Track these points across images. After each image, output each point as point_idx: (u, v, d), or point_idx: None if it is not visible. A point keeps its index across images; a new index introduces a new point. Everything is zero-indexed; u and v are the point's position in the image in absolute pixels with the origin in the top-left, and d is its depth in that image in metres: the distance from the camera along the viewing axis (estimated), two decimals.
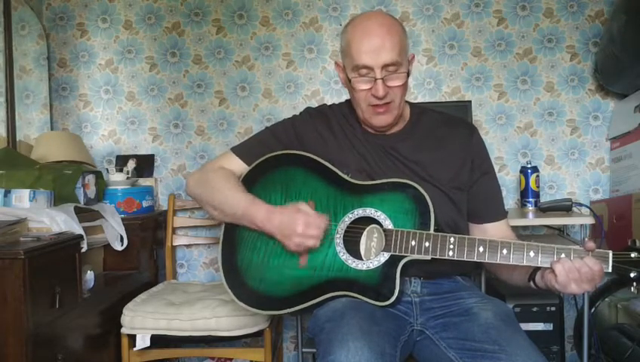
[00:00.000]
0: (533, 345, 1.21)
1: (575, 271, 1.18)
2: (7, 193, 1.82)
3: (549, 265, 1.22)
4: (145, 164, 2.52)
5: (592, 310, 2.15)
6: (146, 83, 2.57)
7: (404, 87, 1.41)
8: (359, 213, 1.39)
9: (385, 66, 1.35)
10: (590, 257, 1.19)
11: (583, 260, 1.19)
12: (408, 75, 1.40)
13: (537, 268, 1.29)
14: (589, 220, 1.96)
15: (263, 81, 2.54)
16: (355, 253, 1.37)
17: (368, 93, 1.38)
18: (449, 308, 1.38)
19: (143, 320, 1.85)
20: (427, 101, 2.47)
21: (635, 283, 1.20)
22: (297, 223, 1.33)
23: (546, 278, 1.25)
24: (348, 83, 1.42)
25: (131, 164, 2.39)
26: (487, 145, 1.56)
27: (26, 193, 1.82)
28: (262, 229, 1.39)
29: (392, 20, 1.40)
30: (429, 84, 2.48)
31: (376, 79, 1.35)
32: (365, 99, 1.40)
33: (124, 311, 1.88)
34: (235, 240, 1.46)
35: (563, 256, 1.21)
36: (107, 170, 2.38)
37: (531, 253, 1.24)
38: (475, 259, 1.27)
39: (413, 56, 1.48)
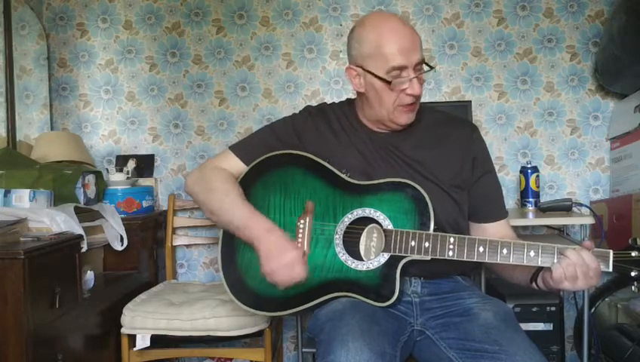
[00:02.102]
0: (534, 345, 1.21)
1: (571, 266, 1.18)
2: (7, 193, 1.82)
3: (549, 265, 1.22)
4: (145, 164, 2.52)
5: (592, 310, 2.15)
6: (146, 83, 2.57)
7: None
8: (358, 213, 1.39)
9: (416, 65, 1.37)
10: (587, 252, 1.19)
11: (580, 254, 1.19)
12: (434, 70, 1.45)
13: (539, 270, 1.29)
14: (589, 220, 1.96)
15: (263, 81, 2.54)
16: (354, 253, 1.37)
17: (402, 93, 1.39)
18: (449, 308, 1.38)
19: (143, 320, 1.85)
20: (427, 101, 2.46)
21: (635, 282, 1.19)
22: (288, 255, 1.31)
23: (544, 277, 1.26)
24: (382, 85, 1.38)
25: (131, 164, 2.40)
26: (487, 145, 1.56)
27: (26, 193, 1.82)
28: (251, 238, 1.36)
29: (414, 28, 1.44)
30: (429, 84, 2.48)
31: (411, 78, 1.36)
32: (396, 100, 1.39)
33: (124, 311, 1.88)
34: (235, 241, 1.45)
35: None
36: (107, 170, 2.38)
37: (532, 253, 1.24)
38: (475, 259, 1.27)
39: None
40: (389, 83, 1.37)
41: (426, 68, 1.41)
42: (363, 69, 1.41)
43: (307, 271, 1.33)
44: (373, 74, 1.39)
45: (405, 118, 1.43)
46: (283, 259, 1.31)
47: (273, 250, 1.32)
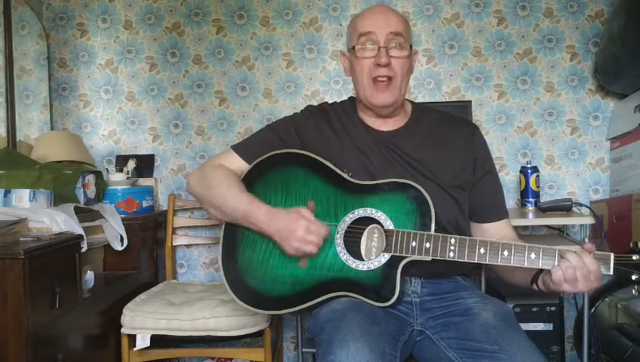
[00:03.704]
0: (534, 345, 1.21)
1: (571, 268, 1.18)
2: (7, 193, 1.82)
3: (550, 267, 1.22)
4: (145, 164, 2.52)
5: (592, 310, 2.15)
6: (146, 83, 2.57)
7: (407, 66, 1.43)
8: (360, 213, 1.39)
9: (389, 35, 1.38)
10: (587, 254, 1.19)
11: (581, 256, 1.19)
12: (411, 49, 1.44)
13: (540, 272, 1.29)
14: (589, 220, 1.96)
15: (263, 81, 2.54)
16: (355, 253, 1.37)
17: (371, 63, 1.40)
18: (449, 308, 1.38)
19: (143, 320, 1.85)
20: (427, 101, 2.47)
21: (636, 286, 1.19)
22: (298, 227, 1.33)
23: (544, 279, 1.26)
24: (352, 56, 1.44)
25: (131, 164, 2.39)
26: (487, 145, 1.56)
27: (26, 193, 1.82)
28: (261, 230, 1.39)
29: (397, 12, 1.47)
30: (429, 84, 2.48)
31: (379, 48, 1.38)
32: (368, 71, 1.41)
33: (124, 311, 1.88)
34: (235, 240, 1.45)
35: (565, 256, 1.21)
36: (107, 170, 2.38)
37: (532, 255, 1.24)
38: (476, 261, 1.27)
39: (417, 52, 1.48)
40: (354, 49, 1.42)
41: (397, 43, 1.40)
42: (347, 50, 1.47)
43: (326, 226, 1.35)
44: (348, 49, 1.46)
45: (379, 98, 1.43)
46: (296, 231, 1.33)
47: (283, 228, 1.34)
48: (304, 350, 2.15)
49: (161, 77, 2.57)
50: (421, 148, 1.46)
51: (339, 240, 1.38)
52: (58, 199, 1.93)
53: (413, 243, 1.31)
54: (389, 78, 1.41)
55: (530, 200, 2.19)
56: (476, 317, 1.30)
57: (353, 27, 1.45)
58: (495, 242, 1.27)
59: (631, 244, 1.21)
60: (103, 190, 2.21)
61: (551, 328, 1.98)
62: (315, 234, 1.33)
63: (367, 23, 1.41)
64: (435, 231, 1.32)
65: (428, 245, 1.30)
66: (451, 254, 1.29)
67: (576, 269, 1.18)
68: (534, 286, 1.31)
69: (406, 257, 1.32)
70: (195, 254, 2.57)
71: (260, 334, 1.90)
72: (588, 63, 2.44)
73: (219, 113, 2.55)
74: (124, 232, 2.12)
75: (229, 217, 1.45)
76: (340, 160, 1.45)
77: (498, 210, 1.52)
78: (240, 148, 1.54)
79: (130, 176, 2.35)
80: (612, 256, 1.20)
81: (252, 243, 1.44)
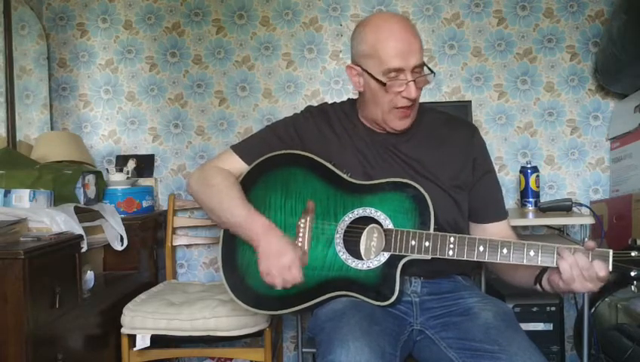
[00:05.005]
0: (534, 345, 1.21)
1: (576, 266, 1.18)
2: (7, 193, 1.82)
3: (549, 264, 1.22)
4: (145, 164, 2.52)
5: (592, 310, 2.14)
6: (146, 83, 2.57)
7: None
8: (359, 212, 1.39)
9: (414, 68, 1.36)
10: (597, 261, 1.19)
11: (591, 262, 1.18)
12: (434, 75, 1.42)
13: (543, 272, 1.28)
14: (589, 220, 1.96)
15: (263, 81, 2.54)
16: (355, 252, 1.37)
17: (397, 95, 1.38)
18: (449, 307, 1.38)
19: (143, 320, 1.85)
20: (427, 101, 2.46)
21: (635, 282, 1.19)
22: (285, 256, 1.32)
23: (552, 279, 1.25)
24: (377, 86, 1.38)
25: (131, 164, 2.39)
26: (487, 145, 1.56)
27: (26, 193, 1.82)
28: (252, 240, 1.37)
29: (410, 22, 1.42)
30: (429, 84, 2.47)
31: (407, 82, 1.36)
32: (391, 102, 1.39)
33: (124, 311, 1.88)
34: (235, 240, 1.45)
35: (566, 249, 1.21)
36: (107, 170, 2.38)
37: (531, 253, 1.24)
38: (475, 259, 1.27)
39: None
40: (384, 84, 1.37)
41: (425, 71, 1.40)
42: (362, 68, 1.42)
43: (302, 276, 1.33)
44: (370, 74, 1.39)
45: (399, 124, 1.43)
46: (280, 260, 1.31)
47: (271, 250, 1.33)
48: (304, 350, 2.15)
49: (161, 77, 2.57)
50: (420, 148, 1.46)
51: (338, 239, 1.38)
52: (58, 199, 1.93)
53: (413, 242, 1.31)
54: (411, 106, 1.41)
55: (530, 200, 2.19)
56: (476, 316, 1.30)
57: (374, 52, 1.37)
58: (494, 240, 1.27)
59: (629, 241, 1.21)
60: (103, 190, 2.22)
61: (551, 328, 1.98)
62: (291, 274, 1.31)
63: (393, 57, 1.34)
64: (435, 230, 1.32)
65: (427, 244, 1.30)
66: (450, 252, 1.29)
67: (582, 268, 1.18)
68: (537, 286, 1.31)
69: (405, 256, 1.32)
70: (195, 254, 2.57)
71: (259, 334, 1.90)
72: (588, 63, 2.44)
73: (219, 113, 2.55)
74: (124, 232, 2.12)
75: (224, 225, 1.45)
76: (339, 160, 1.45)
77: (497, 210, 1.52)
78: (239, 149, 1.54)
79: (130, 176, 2.35)
80: (611, 252, 1.20)
81: None
